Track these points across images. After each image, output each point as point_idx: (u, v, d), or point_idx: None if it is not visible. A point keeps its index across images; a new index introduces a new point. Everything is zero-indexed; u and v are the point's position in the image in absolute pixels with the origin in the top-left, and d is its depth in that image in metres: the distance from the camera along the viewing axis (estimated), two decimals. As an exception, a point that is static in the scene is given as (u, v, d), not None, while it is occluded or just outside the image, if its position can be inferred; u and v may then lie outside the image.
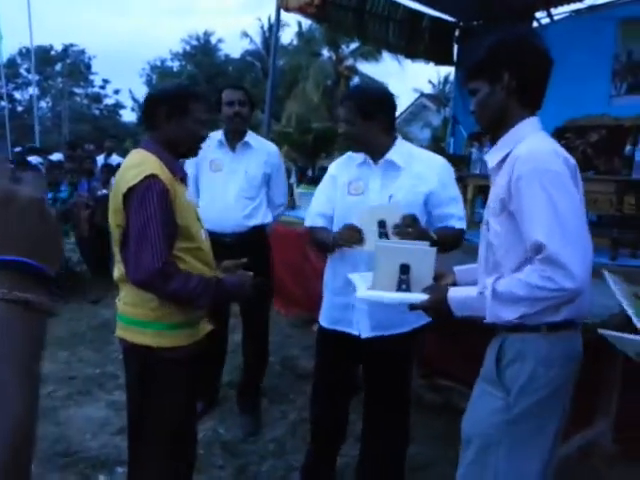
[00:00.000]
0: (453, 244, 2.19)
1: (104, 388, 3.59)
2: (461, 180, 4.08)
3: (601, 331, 1.68)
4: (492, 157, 1.60)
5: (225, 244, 2.79)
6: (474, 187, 4.09)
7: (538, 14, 6.37)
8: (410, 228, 1.95)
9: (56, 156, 7.51)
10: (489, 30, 5.79)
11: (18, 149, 9.06)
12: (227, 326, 3.27)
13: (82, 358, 4.16)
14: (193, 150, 1.97)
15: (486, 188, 4.58)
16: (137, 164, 1.80)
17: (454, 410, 3.25)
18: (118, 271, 1.89)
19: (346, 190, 2.18)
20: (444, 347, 3.41)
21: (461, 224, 2.18)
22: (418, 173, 2.10)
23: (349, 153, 2.27)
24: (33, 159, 6.77)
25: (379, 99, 2.12)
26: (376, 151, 2.14)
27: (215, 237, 2.88)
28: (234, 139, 3.00)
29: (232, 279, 1.94)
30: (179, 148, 1.90)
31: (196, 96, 1.90)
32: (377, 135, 2.11)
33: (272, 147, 3.16)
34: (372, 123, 2.08)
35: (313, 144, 18.36)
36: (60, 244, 0.69)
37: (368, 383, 2.36)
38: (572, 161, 1.47)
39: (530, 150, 1.45)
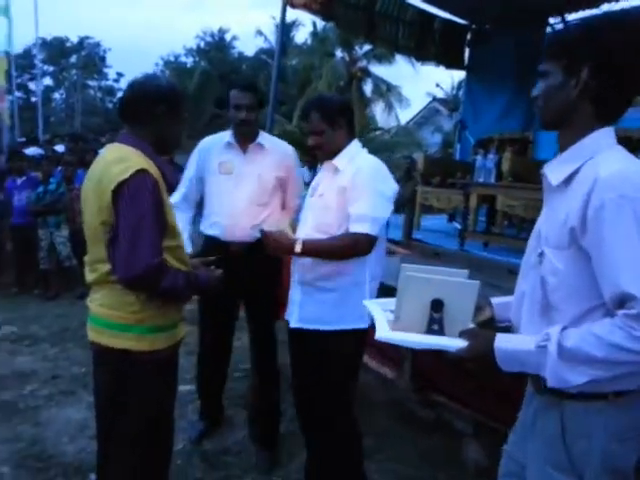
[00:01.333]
0: (340, 252, 2.05)
1: (88, 388, 3.49)
2: (464, 188, 3.95)
3: None
4: (556, 172, 1.28)
5: (232, 254, 2.62)
6: (478, 196, 3.96)
7: (552, 19, 6.21)
8: None
9: (60, 148, 7.46)
10: (501, 34, 5.60)
11: (22, 140, 9.02)
12: (231, 339, 3.03)
13: (70, 356, 4.09)
14: (174, 149, 2.01)
15: (490, 198, 4.48)
16: (120, 159, 1.75)
17: (447, 428, 3.14)
18: (95, 272, 1.82)
19: (310, 192, 2.29)
20: (437, 360, 3.29)
21: (358, 227, 2.02)
22: (344, 173, 2.11)
23: None
24: (33, 150, 6.71)
25: (340, 105, 2.18)
26: (337, 153, 2.18)
27: (222, 245, 2.68)
28: (244, 141, 2.73)
29: (203, 274, 1.98)
30: (165, 146, 1.90)
31: (184, 98, 1.95)
32: (343, 141, 2.16)
33: (288, 148, 2.86)
34: (338, 130, 2.13)
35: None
36: None
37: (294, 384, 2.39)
38: None
39: (617, 171, 1.14)
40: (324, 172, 2.24)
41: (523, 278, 1.39)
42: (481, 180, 3.85)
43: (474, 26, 6.81)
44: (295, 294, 2.24)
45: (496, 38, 6.38)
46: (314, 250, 2.06)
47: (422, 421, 3.17)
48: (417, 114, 23.59)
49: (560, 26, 6.07)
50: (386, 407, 3.35)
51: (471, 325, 1.41)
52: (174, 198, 2.73)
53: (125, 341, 1.78)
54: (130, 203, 1.67)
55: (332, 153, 2.16)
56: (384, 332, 1.44)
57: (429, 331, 1.40)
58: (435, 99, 23.15)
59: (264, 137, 2.78)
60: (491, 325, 1.52)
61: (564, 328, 1.18)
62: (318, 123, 2.12)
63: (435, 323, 1.39)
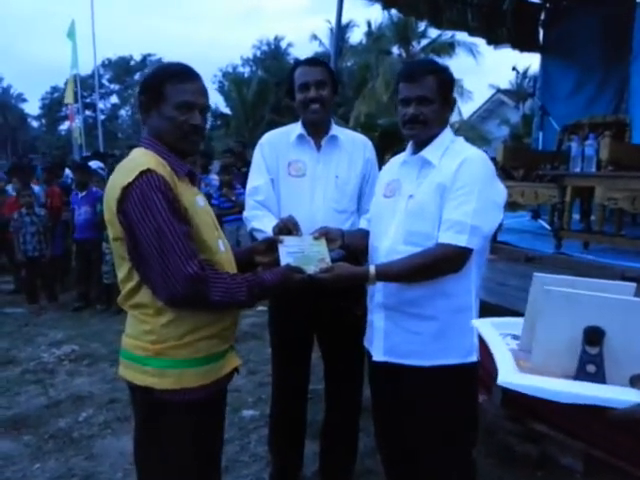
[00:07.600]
0: (423, 272, 1.63)
1: (146, 414, 3.27)
2: (558, 180, 3.43)
3: None
4: None
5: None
6: (572, 189, 3.42)
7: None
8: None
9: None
10: (581, 11, 4.94)
11: (86, 154, 9.17)
12: (307, 384, 2.44)
13: (128, 376, 3.88)
14: (184, 143, 1.56)
15: (584, 191, 3.91)
16: (127, 161, 1.53)
17: (551, 464, 2.65)
18: (122, 294, 1.58)
19: (382, 191, 1.88)
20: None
21: (452, 236, 1.59)
22: (441, 168, 1.69)
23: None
24: (93, 164, 6.69)
25: (453, 81, 1.77)
26: (427, 143, 1.75)
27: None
28: (316, 134, 2.20)
29: (270, 275, 1.60)
30: (170, 143, 1.54)
31: (172, 76, 1.53)
32: (442, 123, 1.75)
33: (364, 137, 2.36)
34: (447, 110, 1.76)
35: (379, 141, 17.57)
36: None
37: (376, 427, 2.02)
38: None
39: None
40: (404, 166, 1.82)
41: None
42: (577, 170, 3.31)
43: (548, 5, 6.25)
44: (377, 320, 1.80)
45: (575, 16, 5.81)
46: (391, 274, 1.66)
47: (522, 458, 2.68)
48: (480, 107, 22.58)
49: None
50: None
51: None
52: (257, 218, 2.18)
53: (147, 377, 1.50)
54: (142, 211, 1.40)
55: (430, 134, 1.73)
56: (510, 375, 1.03)
57: (581, 374, 1.00)
58: (499, 91, 22.08)
59: (336, 128, 2.27)
60: None
61: None
62: (432, 90, 1.67)
63: (591, 362, 1.00)
